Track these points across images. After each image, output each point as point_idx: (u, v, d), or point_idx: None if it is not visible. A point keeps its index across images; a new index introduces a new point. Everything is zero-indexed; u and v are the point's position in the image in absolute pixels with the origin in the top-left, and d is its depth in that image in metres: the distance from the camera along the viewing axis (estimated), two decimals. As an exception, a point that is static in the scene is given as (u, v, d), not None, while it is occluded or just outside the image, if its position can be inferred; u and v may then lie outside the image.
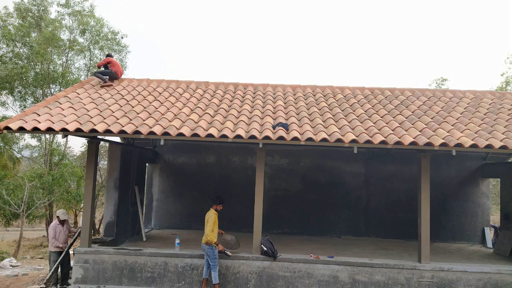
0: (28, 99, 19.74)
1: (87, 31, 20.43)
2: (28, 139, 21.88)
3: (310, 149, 12.71)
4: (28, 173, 19.95)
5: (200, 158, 13.16)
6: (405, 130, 8.22)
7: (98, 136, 8.64)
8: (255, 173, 8.59)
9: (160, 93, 10.41)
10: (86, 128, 7.81)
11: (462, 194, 12.68)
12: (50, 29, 19.25)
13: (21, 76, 18.69)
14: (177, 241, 8.95)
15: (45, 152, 19.91)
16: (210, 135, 7.78)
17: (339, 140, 7.68)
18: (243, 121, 8.54)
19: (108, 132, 7.86)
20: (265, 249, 8.29)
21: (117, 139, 10.87)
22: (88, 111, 8.65)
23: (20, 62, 18.89)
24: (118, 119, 8.38)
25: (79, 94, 9.79)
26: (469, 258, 10.00)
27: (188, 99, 9.96)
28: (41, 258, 16.30)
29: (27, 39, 18.82)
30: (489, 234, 12.40)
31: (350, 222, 12.74)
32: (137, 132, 7.86)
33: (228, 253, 8.36)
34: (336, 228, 12.74)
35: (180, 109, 9.13)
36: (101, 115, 8.47)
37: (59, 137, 19.38)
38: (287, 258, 8.40)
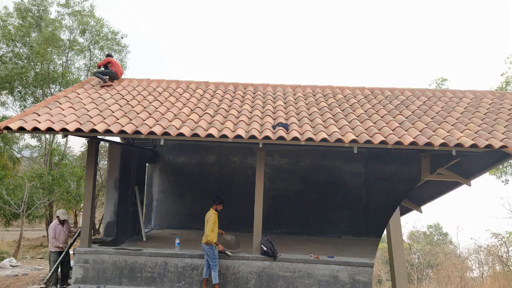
0: (28, 99, 19.76)
1: (87, 31, 20.43)
2: (28, 139, 21.91)
3: (310, 149, 12.71)
4: (28, 173, 19.96)
5: (200, 158, 13.15)
6: (405, 130, 8.22)
7: (98, 136, 8.65)
8: (255, 173, 8.60)
9: (160, 93, 10.40)
10: (86, 128, 7.82)
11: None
12: (50, 29, 19.24)
13: (21, 76, 18.69)
14: (177, 241, 8.95)
15: (45, 152, 19.91)
16: (210, 135, 7.79)
17: (339, 140, 7.68)
18: (243, 121, 8.54)
19: (108, 132, 7.86)
20: (265, 249, 8.29)
21: (117, 139, 10.87)
22: (88, 111, 8.65)
23: (20, 62, 18.89)
24: (118, 119, 8.38)
25: (79, 94, 9.79)
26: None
27: (188, 99, 9.96)
28: (41, 258, 16.31)
29: (27, 39, 18.82)
30: None
31: (350, 222, 12.73)
32: (137, 132, 7.86)
33: (228, 253, 8.36)
34: (336, 228, 12.73)
35: (180, 109, 9.13)
36: (101, 115, 8.47)
37: (59, 137, 19.40)
38: (287, 258, 8.40)
